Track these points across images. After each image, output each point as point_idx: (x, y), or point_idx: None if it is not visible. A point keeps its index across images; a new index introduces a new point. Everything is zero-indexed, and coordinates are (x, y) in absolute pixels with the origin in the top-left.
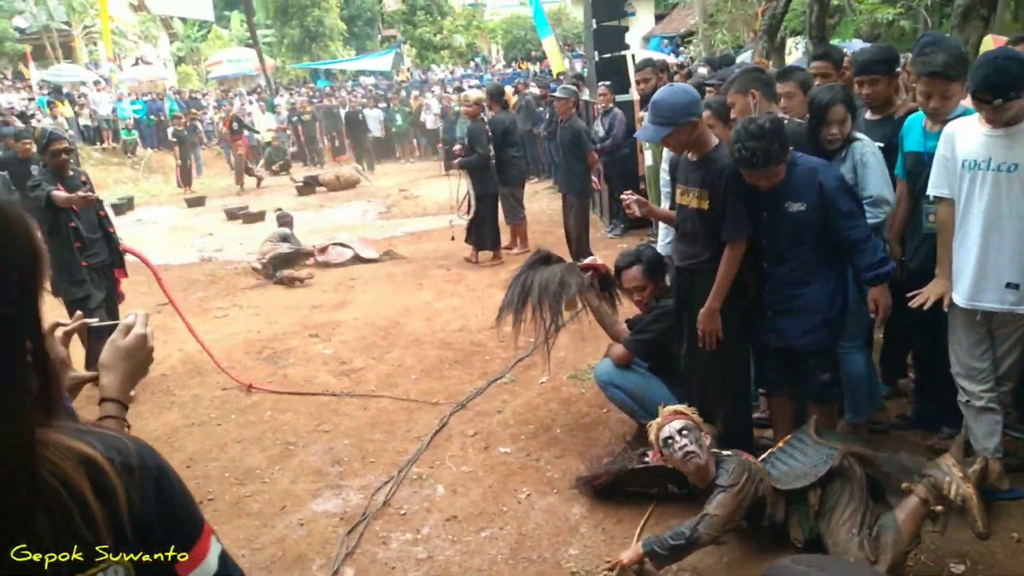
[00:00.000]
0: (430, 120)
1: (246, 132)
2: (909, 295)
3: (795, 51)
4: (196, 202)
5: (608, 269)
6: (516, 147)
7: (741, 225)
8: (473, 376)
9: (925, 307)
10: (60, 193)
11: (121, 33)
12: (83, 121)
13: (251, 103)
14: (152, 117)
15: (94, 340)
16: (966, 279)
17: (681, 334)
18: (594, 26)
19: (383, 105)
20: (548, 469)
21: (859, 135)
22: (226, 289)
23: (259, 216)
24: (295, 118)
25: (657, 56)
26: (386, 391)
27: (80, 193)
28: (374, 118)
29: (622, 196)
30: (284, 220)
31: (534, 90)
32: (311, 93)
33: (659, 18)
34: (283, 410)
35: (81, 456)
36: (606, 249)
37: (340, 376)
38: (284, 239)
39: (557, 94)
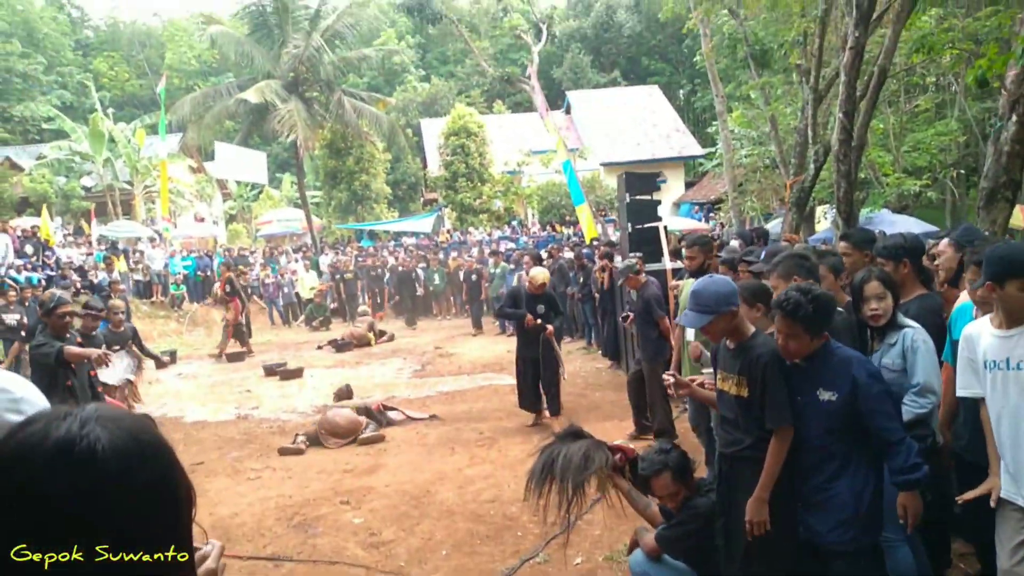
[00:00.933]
0: (470, 280)
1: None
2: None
3: (824, 220)
4: (236, 357)
5: (637, 455)
6: None
7: (784, 410)
8: (505, 554)
9: (991, 503)
10: (73, 348)
11: (178, 193)
12: (136, 276)
13: (296, 261)
14: (200, 273)
15: None
16: (1009, 476)
17: (721, 526)
18: (627, 200)
19: (423, 265)
20: None
21: (911, 322)
22: (261, 449)
23: (297, 373)
24: (338, 275)
25: (690, 223)
26: (415, 568)
27: (97, 350)
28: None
29: (664, 376)
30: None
31: (568, 254)
32: (358, 252)
33: (689, 185)
34: None
35: None
36: None
37: (369, 548)
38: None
39: (620, 270)
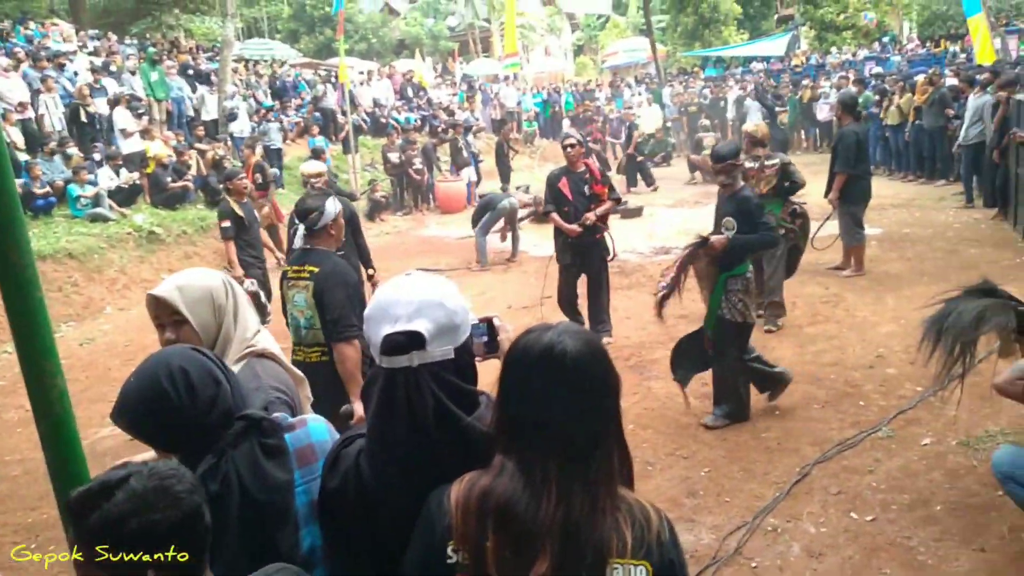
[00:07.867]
0: (824, 111)
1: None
2: None
3: None
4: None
5: None
6: (864, 164)
7: None
8: (843, 424)
9: None
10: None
11: (530, 27)
12: (492, 114)
13: (639, 94)
14: (550, 110)
15: None
16: None
17: None
18: None
19: (770, 96)
20: (921, 552)
21: None
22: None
23: (637, 212)
24: (682, 108)
25: None
26: (734, 434)
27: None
28: (755, 110)
29: None
30: None
31: (952, 81)
32: (703, 83)
33: None
34: (645, 426)
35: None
36: None
37: (698, 398)
38: None
39: None
